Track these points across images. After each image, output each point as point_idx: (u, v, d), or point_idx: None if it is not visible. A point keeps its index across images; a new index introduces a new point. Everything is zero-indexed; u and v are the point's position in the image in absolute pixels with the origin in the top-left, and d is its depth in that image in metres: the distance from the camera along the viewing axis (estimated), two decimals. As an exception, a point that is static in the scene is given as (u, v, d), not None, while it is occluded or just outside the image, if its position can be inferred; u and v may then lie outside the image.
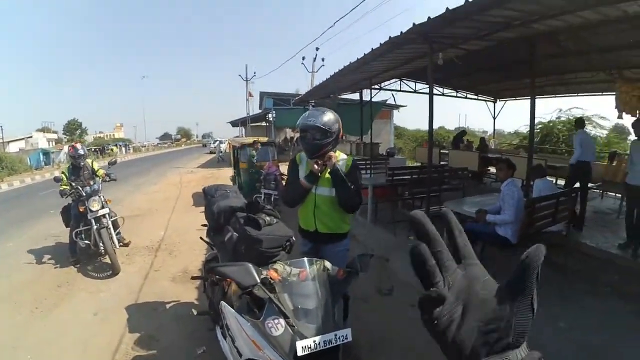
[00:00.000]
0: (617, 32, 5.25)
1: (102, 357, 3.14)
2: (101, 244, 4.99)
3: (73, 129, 61.01)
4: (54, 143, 44.36)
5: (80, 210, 5.12)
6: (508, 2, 4.00)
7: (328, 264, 2.13)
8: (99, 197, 5.19)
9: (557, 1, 4.01)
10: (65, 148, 38.93)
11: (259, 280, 1.88)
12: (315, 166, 2.46)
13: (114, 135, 74.12)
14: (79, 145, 5.69)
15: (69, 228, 5.43)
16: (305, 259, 2.12)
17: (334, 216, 2.60)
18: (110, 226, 5.24)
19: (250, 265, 1.93)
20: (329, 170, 2.48)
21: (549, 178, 5.47)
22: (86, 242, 5.20)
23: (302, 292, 1.99)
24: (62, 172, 5.52)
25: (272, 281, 1.92)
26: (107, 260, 5.05)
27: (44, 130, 52.02)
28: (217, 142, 33.42)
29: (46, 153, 29.58)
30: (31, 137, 41.68)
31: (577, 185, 6.10)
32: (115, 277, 4.86)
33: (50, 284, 4.75)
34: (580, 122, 6.76)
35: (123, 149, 46.57)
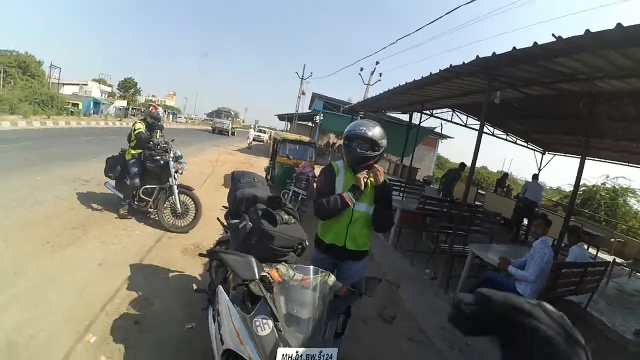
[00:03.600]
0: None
1: (94, 304, 3.19)
2: (179, 206, 5.50)
3: (128, 86, 63.37)
4: (106, 95, 46.34)
5: (176, 169, 5.55)
6: (577, 53, 3.84)
7: (333, 278, 2.06)
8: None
9: (626, 62, 3.80)
10: (117, 103, 40.84)
11: (257, 277, 1.84)
12: (362, 180, 2.38)
13: (165, 101, 76.49)
14: (160, 109, 6.00)
15: (110, 177, 5.77)
16: (312, 267, 2.06)
17: (365, 234, 2.53)
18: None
19: (253, 259, 1.90)
20: (374, 184, 2.44)
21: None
22: (147, 199, 5.61)
23: (299, 299, 1.93)
24: (139, 123, 5.75)
25: (271, 280, 1.87)
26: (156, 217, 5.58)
27: (99, 81, 54.30)
28: (251, 128, 34.06)
29: (97, 103, 30.89)
30: (86, 84, 43.62)
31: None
32: (130, 234, 4.97)
33: (66, 223, 4.88)
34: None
35: (171, 116, 48.07)
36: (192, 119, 58.78)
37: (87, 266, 3.86)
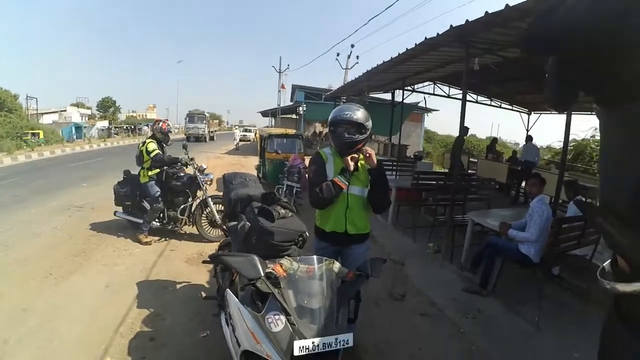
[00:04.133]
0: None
1: (107, 327, 3.19)
2: (217, 217, 5.40)
3: (107, 106, 62.56)
4: (87, 118, 45.80)
5: (207, 184, 5.57)
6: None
7: (338, 265, 2.07)
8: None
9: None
10: (98, 124, 40.20)
11: (262, 274, 1.84)
12: (352, 163, 2.37)
13: (146, 115, 75.71)
14: (170, 123, 5.93)
15: (127, 205, 5.66)
16: (315, 257, 2.07)
17: (363, 216, 2.53)
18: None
19: (256, 257, 1.90)
20: (368, 167, 2.42)
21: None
22: (180, 217, 5.58)
23: (307, 290, 1.94)
24: (151, 143, 5.50)
25: (277, 276, 1.88)
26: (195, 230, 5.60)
27: (78, 105, 53.68)
28: (235, 128, 34.02)
29: (78, 127, 30.57)
30: (65, 110, 43.10)
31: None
32: (131, 253, 4.97)
33: (67, 252, 4.87)
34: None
35: (153, 129, 47.55)
36: (176, 128, 58.36)
37: (94, 291, 3.86)
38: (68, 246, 5.12)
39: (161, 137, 5.64)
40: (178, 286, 4.06)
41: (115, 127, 41.58)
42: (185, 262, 4.73)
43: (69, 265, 4.47)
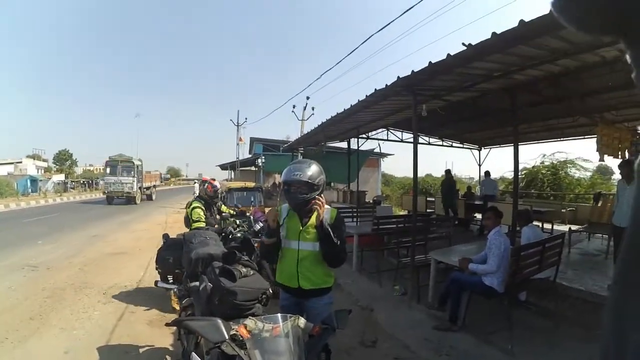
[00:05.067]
0: (596, 77, 5.41)
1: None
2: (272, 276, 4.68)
3: (63, 159, 60.71)
4: (42, 171, 44.05)
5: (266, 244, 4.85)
6: (488, 55, 4.18)
7: (303, 320, 2.06)
8: None
9: (535, 52, 4.18)
10: (55, 177, 38.59)
11: (227, 337, 1.82)
12: (271, 219, 2.44)
13: (103, 169, 73.77)
14: (217, 183, 5.53)
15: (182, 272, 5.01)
16: (279, 315, 2.06)
17: (319, 271, 2.49)
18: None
19: (219, 320, 1.87)
20: (314, 224, 2.42)
21: (535, 223, 5.49)
22: None
23: (274, 349, 1.91)
24: (198, 208, 5.14)
25: (242, 338, 1.86)
26: None
27: (34, 157, 51.63)
28: (194, 182, 32.95)
29: (34, 180, 29.44)
30: (21, 162, 41.34)
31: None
32: (90, 316, 4.70)
33: (23, 315, 4.62)
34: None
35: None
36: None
37: (53, 357, 3.64)
38: (24, 308, 4.87)
39: (208, 198, 5.39)
40: (141, 350, 3.85)
41: (72, 181, 40.22)
42: (147, 324, 4.52)
43: (25, 329, 4.22)
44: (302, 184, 2.41)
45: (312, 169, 2.46)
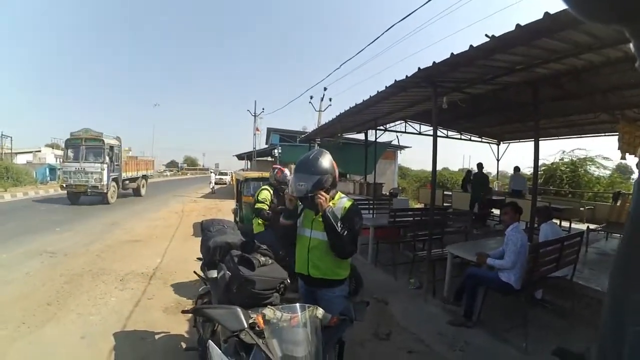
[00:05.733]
0: (618, 72, 5.26)
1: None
2: None
3: (82, 147, 61.49)
4: (61, 160, 44.83)
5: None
6: (511, 47, 4.09)
7: (321, 311, 2.06)
8: None
9: (559, 45, 4.08)
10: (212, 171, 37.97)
11: (246, 326, 1.82)
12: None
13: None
14: (287, 170, 5.41)
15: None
16: (298, 305, 2.05)
17: (328, 261, 2.46)
18: None
19: (239, 309, 1.87)
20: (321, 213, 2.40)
21: (553, 220, 5.39)
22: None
23: (292, 338, 1.91)
24: (265, 190, 5.08)
25: (259, 327, 1.86)
26: None
27: (52, 146, 52.51)
28: (210, 172, 32.94)
29: (52, 169, 29.94)
30: (40, 151, 42.07)
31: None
32: (106, 302, 4.78)
33: (40, 301, 4.68)
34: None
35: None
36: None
37: (69, 342, 3.67)
38: (41, 294, 4.92)
39: (278, 185, 5.32)
40: (157, 337, 3.90)
41: (89, 170, 40.69)
42: (163, 311, 4.57)
43: (43, 314, 4.28)
44: (306, 197, 2.35)
45: (316, 173, 2.36)
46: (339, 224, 2.34)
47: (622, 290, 0.53)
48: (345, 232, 2.36)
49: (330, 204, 2.42)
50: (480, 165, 11.14)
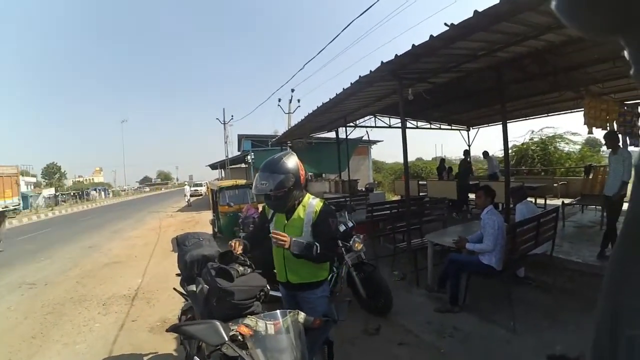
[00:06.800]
0: (580, 50, 5.42)
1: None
2: (362, 291, 4.25)
3: (52, 172, 60.14)
4: (32, 187, 43.51)
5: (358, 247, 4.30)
6: (471, 34, 4.15)
7: (302, 315, 2.05)
8: None
9: (519, 28, 4.16)
10: (45, 192, 38.03)
11: (227, 339, 1.80)
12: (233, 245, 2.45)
13: (93, 179, 74.13)
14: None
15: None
16: (279, 311, 2.04)
17: (306, 266, 2.42)
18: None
19: (218, 322, 1.85)
20: (300, 217, 2.40)
21: (528, 199, 5.52)
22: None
23: (276, 346, 1.90)
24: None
25: (242, 338, 1.84)
26: None
27: (22, 173, 50.92)
28: (186, 185, 32.79)
29: (24, 197, 28.95)
30: (7, 179, 40.65)
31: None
32: (91, 328, 4.67)
33: (24, 334, 4.57)
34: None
35: (102, 193, 45.93)
36: (124, 190, 57.38)
37: (58, 374, 3.55)
38: (24, 328, 4.80)
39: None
40: (145, 358, 3.82)
41: (62, 194, 39.83)
42: (149, 331, 4.48)
43: (28, 349, 4.17)
44: (269, 196, 2.34)
45: (279, 174, 2.32)
46: (311, 249, 2.28)
47: (616, 294, 0.51)
48: (319, 249, 2.29)
49: (300, 208, 2.43)
50: (466, 153, 11.27)
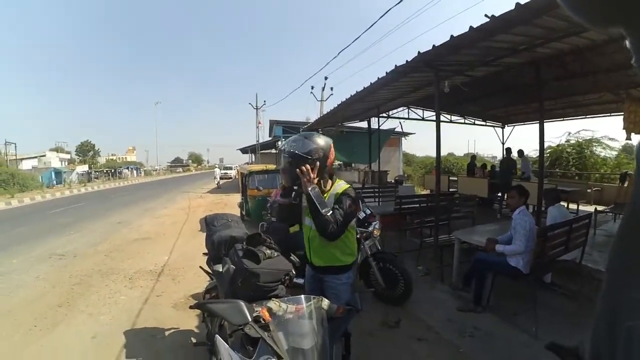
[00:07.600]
0: (622, 51, 5.15)
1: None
2: (381, 280, 4.25)
3: (86, 150, 62.43)
4: (66, 163, 45.31)
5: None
6: (512, 27, 4.01)
7: (326, 302, 2.03)
8: None
9: (561, 24, 3.98)
10: (78, 168, 39.48)
11: (250, 319, 1.80)
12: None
13: (126, 158, 76.29)
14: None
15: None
16: (303, 296, 2.03)
17: (328, 248, 2.40)
18: None
19: (242, 303, 1.86)
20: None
21: (561, 203, 5.33)
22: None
23: (298, 330, 1.89)
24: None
25: (264, 320, 1.84)
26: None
27: (57, 150, 53.13)
28: (216, 168, 33.28)
29: (58, 172, 30.16)
30: (44, 155, 42.52)
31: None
32: (116, 301, 4.81)
33: (51, 303, 4.73)
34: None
35: (134, 172, 47.31)
36: (155, 170, 58.98)
37: (81, 343, 3.71)
38: (51, 296, 4.98)
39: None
40: (167, 333, 3.92)
41: (95, 171, 41.23)
42: (172, 307, 4.59)
43: (54, 317, 4.33)
44: (292, 156, 2.26)
45: (310, 143, 2.28)
46: (325, 206, 2.23)
47: (617, 286, 0.53)
48: (330, 212, 2.24)
49: (328, 188, 2.41)
50: (508, 150, 10.74)
